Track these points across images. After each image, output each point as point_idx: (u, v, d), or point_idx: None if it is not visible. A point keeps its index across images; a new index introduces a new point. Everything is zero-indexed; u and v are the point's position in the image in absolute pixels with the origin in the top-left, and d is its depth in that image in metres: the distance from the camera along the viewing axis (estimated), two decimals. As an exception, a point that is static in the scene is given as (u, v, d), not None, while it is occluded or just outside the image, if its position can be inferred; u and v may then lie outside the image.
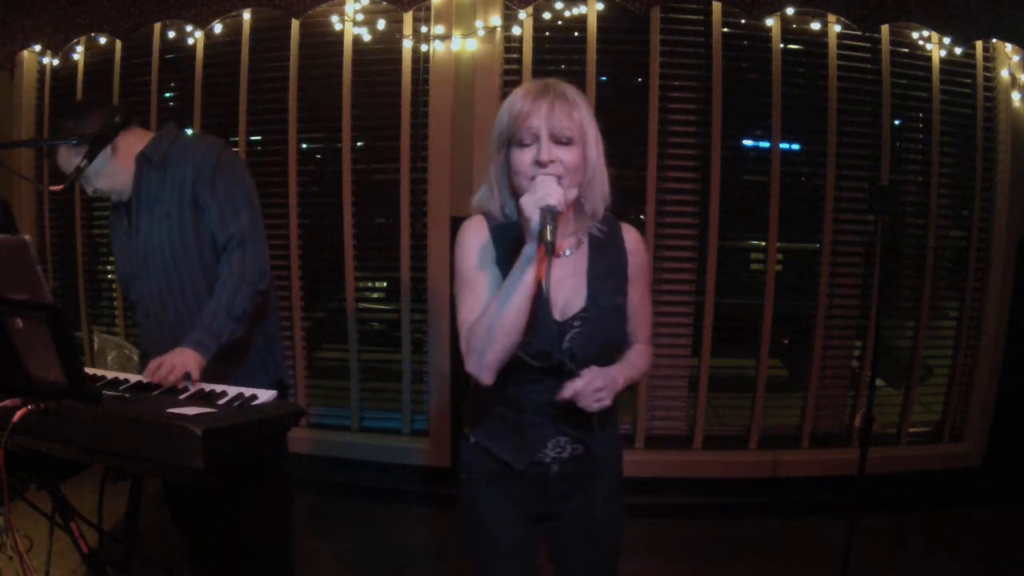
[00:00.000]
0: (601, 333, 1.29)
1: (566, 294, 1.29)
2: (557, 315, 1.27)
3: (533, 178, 1.19)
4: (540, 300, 1.19)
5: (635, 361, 1.37)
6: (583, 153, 1.22)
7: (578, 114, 1.21)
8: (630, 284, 1.35)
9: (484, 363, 1.18)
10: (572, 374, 1.23)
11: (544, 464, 1.33)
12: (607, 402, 1.22)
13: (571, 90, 1.23)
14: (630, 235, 1.37)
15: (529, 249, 1.15)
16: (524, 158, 1.21)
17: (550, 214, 1.11)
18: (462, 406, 1.43)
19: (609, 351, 1.33)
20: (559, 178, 1.18)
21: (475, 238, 1.29)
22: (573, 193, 1.22)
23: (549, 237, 1.09)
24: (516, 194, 1.25)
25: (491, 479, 1.36)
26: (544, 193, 1.13)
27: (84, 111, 1.70)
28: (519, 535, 1.38)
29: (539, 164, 1.19)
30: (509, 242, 1.26)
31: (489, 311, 1.17)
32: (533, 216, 1.12)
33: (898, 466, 3.05)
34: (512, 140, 1.23)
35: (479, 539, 1.39)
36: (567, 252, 1.31)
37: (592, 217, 1.30)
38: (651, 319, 1.45)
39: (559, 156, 1.19)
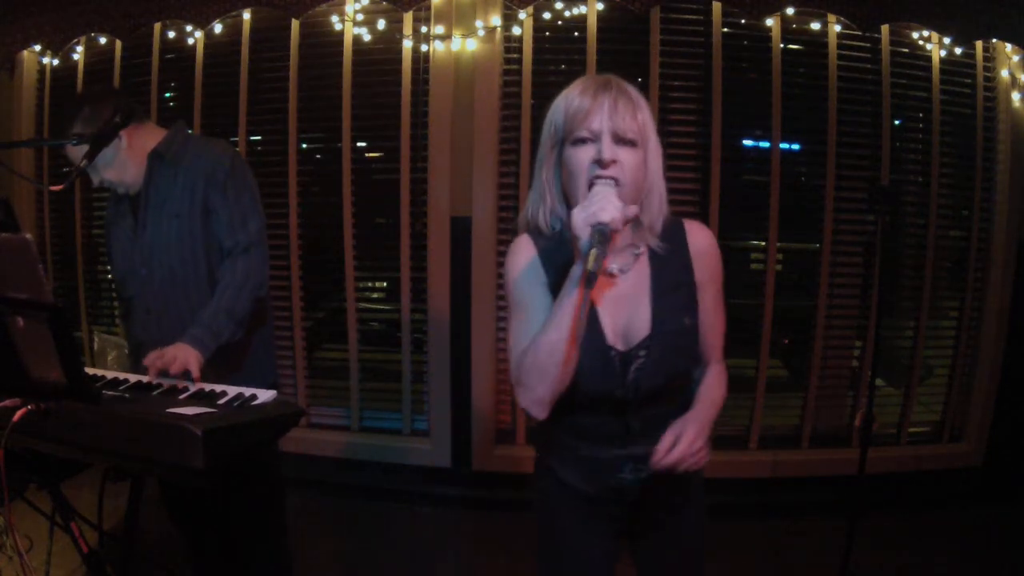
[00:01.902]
0: (669, 361, 1.15)
1: (627, 318, 1.15)
2: (620, 344, 1.15)
3: (591, 183, 1.07)
4: (594, 330, 1.10)
5: (714, 397, 1.21)
6: (644, 158, 1.11)
7: (641, 116, 1.11)
8: (700, 290, 1.19)
9: (535, 398, 1.09)
10: (631, 409, 1.14)
11: (622, 488, 1.21)
12: (706, 455, 1.09)
13: (633, 89, 1.12)
14: (696, 234, 1.21)
15: (577, 270, 1.03)
16: (582, 156, 1.09)
17: (600, 234, 0.99)
18: (534, 425, 1.31)
19: (678, 379, 1.19)
20: (617, 185, 1.07)
21: (522, 259, 1.17)
22: (632, 210, 1.07)
23: (591, 264, 0.97)
24: (569, 201, 1.14)
25: (566, 501, 1.27)
26: (598, 208, 1.01)
27: (85, 108, 1.69)
28: (596, 555, 1.28)
29: (599, 164, 1.07)
30: (561, 261, 1.13)
31: (536, 342, 1.06)
32: (582, 234, 1.01)
33: (898, 466, 3.05)
34: (567, 139, 1.12)
35: (554, 560, 1.31)
36: (613, 268, 1.16)
37: (649, 231, 1.17)
38: (723, 331, 1.25)
39: (620, 157, 1.08)
